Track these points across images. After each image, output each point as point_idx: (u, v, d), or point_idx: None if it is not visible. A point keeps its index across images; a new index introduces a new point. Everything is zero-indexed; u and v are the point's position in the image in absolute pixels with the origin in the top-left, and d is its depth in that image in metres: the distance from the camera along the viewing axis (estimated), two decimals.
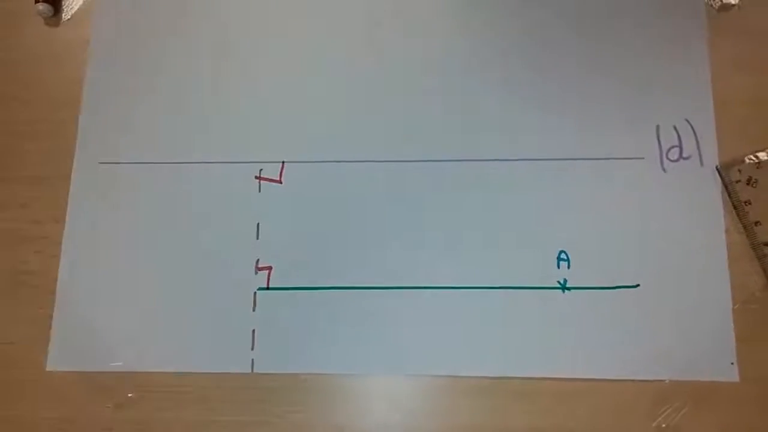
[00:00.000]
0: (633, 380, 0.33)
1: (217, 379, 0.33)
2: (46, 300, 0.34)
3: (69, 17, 0.39)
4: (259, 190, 0.35)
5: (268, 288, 0.34)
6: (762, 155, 0.34)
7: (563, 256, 0.34)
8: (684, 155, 0.35)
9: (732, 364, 0.33)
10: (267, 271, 0.34)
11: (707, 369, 0.33)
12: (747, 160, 0.34)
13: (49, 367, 0.34)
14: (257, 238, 0.35)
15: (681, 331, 0.33)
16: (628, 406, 0.33)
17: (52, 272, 0.35)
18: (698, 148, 0.35)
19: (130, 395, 0.33)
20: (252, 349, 0.34)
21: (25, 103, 0.37)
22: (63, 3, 0.39)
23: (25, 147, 0.37)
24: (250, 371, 0.33)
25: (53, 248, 0.35)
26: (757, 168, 0.34)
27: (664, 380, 0.33)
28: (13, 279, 0.35)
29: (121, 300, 0.34)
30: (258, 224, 0.35)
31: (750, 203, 0.34)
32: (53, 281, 0.35)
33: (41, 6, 0.38)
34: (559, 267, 0.34)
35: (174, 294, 0.34)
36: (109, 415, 0.33)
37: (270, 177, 0.36)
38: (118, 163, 0.36)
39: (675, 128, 0.35)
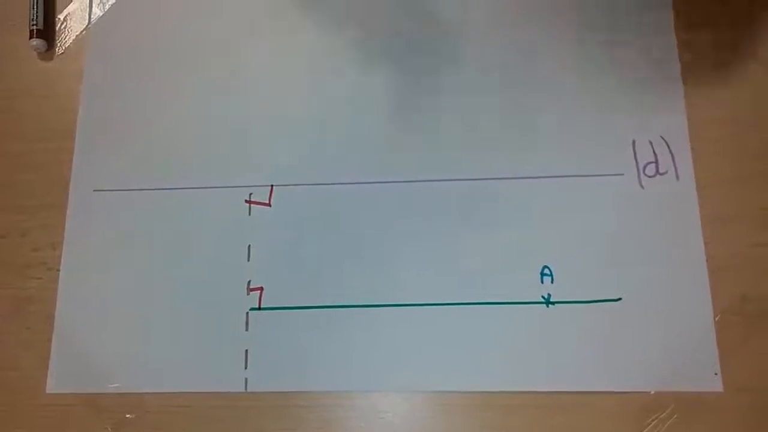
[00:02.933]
0: (618, 392, 0.33)
1: (212, 398, 0.34)
2: (45, 325, 0.35)
3: (62, 51, 0.40)
4: (249, 214, 0.36)
5: (260, 308, 0.35)
6: None
7: (546, 271, 0.35)
8: (660, 171, 0.36)
9: (716, 374, 0.33)
10: (258, 292, 0.35)
11: (691, 380, 0.33)
12: None
13: (49, 390, 0.35)
14: (248, 260, 0.36)
15: (664, 343, 0.34)
16: (614, 418, 0.33)
17: (51, 298, 0.36)
18: (674, 163, 0.36)
19: (128, 416, 0.34)
20: (245, 368, 0.34)
21: (20, 134, 0.39)
22: (56, 38, 0.40)
23: (22, 177, 0.38)
24: (243, 390, 0.34)
25: (51, 274, 0.36)
26: None
27: (650, 392, 0.33)
28: (14, 305, 0.36)
29: (118, 323, 0.35)
30: (249, 246, 0.36)
31: None
32: (52, 306, 0.36)
33: (35, 41, 0.39)
34: (542, 282, 0.35)
35: (169, 316, 0.35)
36: None
37: (259, 200, 0.37)
38: (113, 190, 0.37)
39: (651, 145, 0.36)
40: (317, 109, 0.38)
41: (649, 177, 0.36)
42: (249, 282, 0.35)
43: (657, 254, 0.35)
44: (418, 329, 0.34)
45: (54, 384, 0.35)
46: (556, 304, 0.34)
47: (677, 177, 0.35)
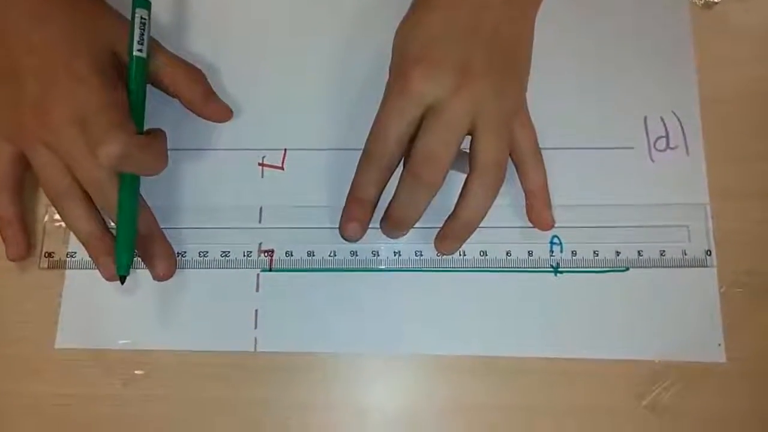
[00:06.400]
0: (623, 360, 0.34)
1: (221, 357, 0.34)
2: (56, 279, 0.36)
3: None
4: (262, 176, 0.37)
5: (270, 270, 0.35)
6: None
7: (556, 240, 0.35)
8: (671, 145, 0.36)
9: (719, 345, 0.34)
10: (269, 254, 0.36)
11: (695, 350, 0.34)
12: None
13: (57, 346, 0.35)
14: (260, 222, 0.36)
15: (669, 314, 0.34)
16: (618, 386, 0.34)
17: (62, 253, 0.36)
18: (684, 138, 0.36)
19: (137, 372, 0.35)
20: (255, 328, 0.35)
21: None
22: None
23: None
24: (253, 350, 0.34)
25: (62, 230, 0.36)
26: None
27: (654, 361, 0.34)
28: (25, 260, 0.36)
29: (129, 280, 0.35)
30: (261, 208, 0.36)
31: None
32: (63, 261, 0.36)
33: None
34: (552, 251, 0.35)
35: (180, 275, 0.35)
36: (118, 391, 0.34)
37: (272, 163, 0.37)
38: None
39: (662, 120, 0.36)
40: (331, 76, 0.38)
41: (660, 151, 0.36)
42: (260, 244, 0.36)
43: (664, 226, 0.35)
44: (426, 294, 0.35)
45: (63, 339, 0.35)
46: (564, 273, 0.35)
47: (687, 152, 0.36)
